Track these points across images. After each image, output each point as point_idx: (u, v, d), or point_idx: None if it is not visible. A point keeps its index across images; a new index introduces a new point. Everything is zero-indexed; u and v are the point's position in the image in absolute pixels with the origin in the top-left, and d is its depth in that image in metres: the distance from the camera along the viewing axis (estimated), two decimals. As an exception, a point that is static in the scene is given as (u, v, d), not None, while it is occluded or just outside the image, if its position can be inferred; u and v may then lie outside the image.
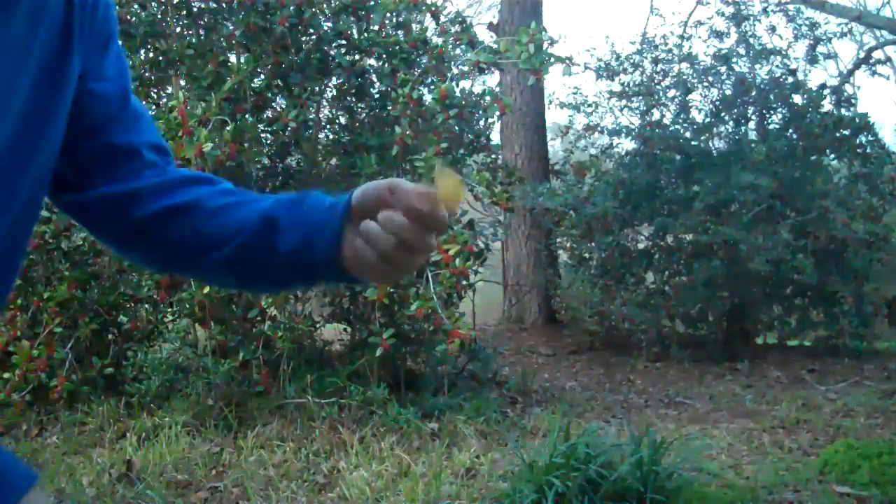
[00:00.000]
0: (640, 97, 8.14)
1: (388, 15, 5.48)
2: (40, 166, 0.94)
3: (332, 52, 5.41)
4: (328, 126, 5.99)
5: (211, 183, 1.04)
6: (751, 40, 8.10)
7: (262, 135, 5.37)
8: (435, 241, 0.89)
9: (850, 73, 10.27)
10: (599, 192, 7.73)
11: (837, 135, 7.72)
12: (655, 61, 8.29)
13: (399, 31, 5.53)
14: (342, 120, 5.95)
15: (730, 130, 8.14)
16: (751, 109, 8.05)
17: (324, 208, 0.94)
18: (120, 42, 1.03)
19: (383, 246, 0.86)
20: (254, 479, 3.89)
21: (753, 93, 7.83)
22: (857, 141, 7.80)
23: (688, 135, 7.95)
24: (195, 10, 5.33)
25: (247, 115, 5.02)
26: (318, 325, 5.50)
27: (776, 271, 7.05)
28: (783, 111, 7.98)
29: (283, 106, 5.34)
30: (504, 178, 6.93)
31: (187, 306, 4.97)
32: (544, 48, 5.09)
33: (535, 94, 9.50)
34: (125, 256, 1.10)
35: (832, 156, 8.06)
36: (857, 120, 7.74)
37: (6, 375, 4.75)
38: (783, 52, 8.07)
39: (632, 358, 7.41)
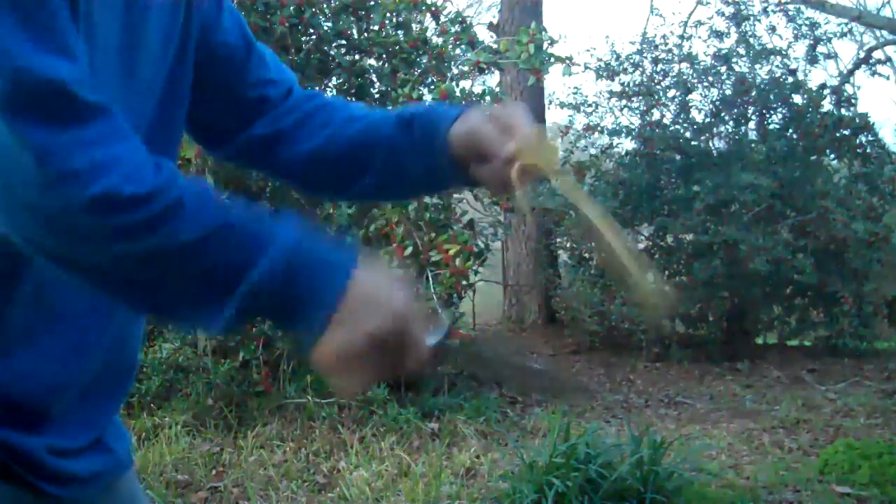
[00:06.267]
0: (640, 97, 8.13)
1: (388, 15, 5.48)
2: (178, 135, 1.03)
3: (332, 52, 5.41)
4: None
5: (338, 113, 1.12)
6: (751, 40, 8.10)
7: (263, 135, 5.37)
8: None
9: (850, 73, 10.26)
10: (599, 192, 7.73)
11: (837, 135, 7.72)
12: (655, 61, 8.29)
13: (399, 31, 5.53)
14: (342, 120, 5.95)
15: (730, 130, 8.14)
16: (751, 109, 8.06)
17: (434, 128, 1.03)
18: None
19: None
20: (254, 479, 3.89)
21: (753, 93, 7.83)
22: (857, 141, 7.81)
23: (688, 135, 7.95)
24: (195, 10, 5.33)
25: (247, 115, 5.02)
26: (318, 325, 5.49)
27: (776, 271, 7.05)
28: (783, 111, 7.99)
29: (283, 106, 5.34)
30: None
31: (187, 306, 4.96)
32: (544, 48, 5.09)
33: (535, 94, 9.48)
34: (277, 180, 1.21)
35: (832, 156, 8.06)
36: (857, 120, 7.74)
37: (6, 375, 4.75)
38: (783, 52, 8.08)
39: (632, 358, 7.42)
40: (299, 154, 1.10)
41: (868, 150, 7.81)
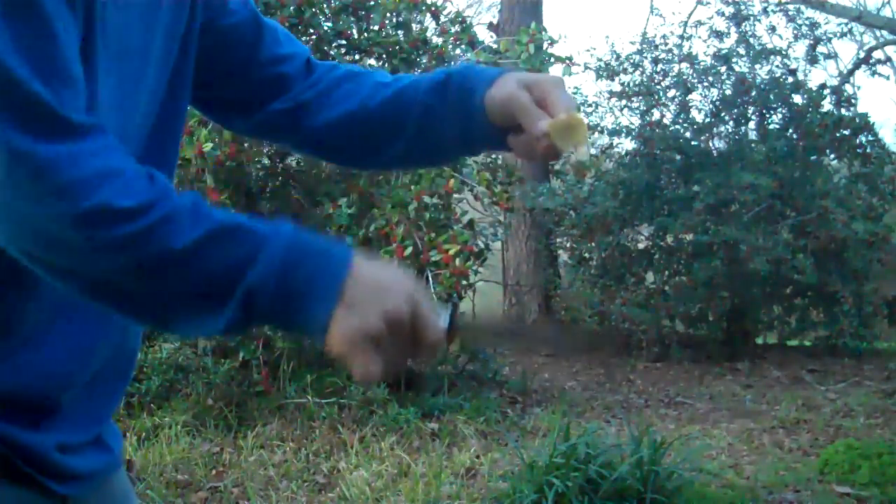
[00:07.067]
0: (640, 97, 8.13)
1: (388, 15, 5.48)
2: (181, 127, 1.03)
3: (332, 52, 5.41)
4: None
5: (365, 79, 1.10)
6: (751, 40, 8.10)
7: (262, 135, 5.37)
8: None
9: (850, 73, 10.27)
10: (599, 192, 7.73)
11: (837, 135, 7.72)
12: (655, 61, 8.28)
13: (399, 31, 5.53)
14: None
15: (730, 130, 8.14)
16: (751, 109, 8.05)
17: (469, 92, 1.01)
18: None
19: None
20: (254, 479, 3.89)
21: (753, 93, 7.83)
22: (857, 141, 7.81)
23: (688, 135, 7.95)
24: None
25: (247, 115, 5.01)
26: (318, 325, 5.49)
27: (776, 271, 7.05)
28: (783, 111, 7.98)
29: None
30: (504, 178, 6.93)
31: (187, 306, 4.96)
32: (544, 48, 5.10)
33: (535, 94, 9.48)
34: (310, 158, 1.19)
35: (832, 156, 8.06)
36: (857, 120, 7.74)
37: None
38: (783, 52, 8.08)
39: (632, 358, 7.41)
40: (326, 121, 1.08)
41: (868, 150, 7.81)
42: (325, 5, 5.47)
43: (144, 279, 0.75)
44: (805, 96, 7.84)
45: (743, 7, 8.21)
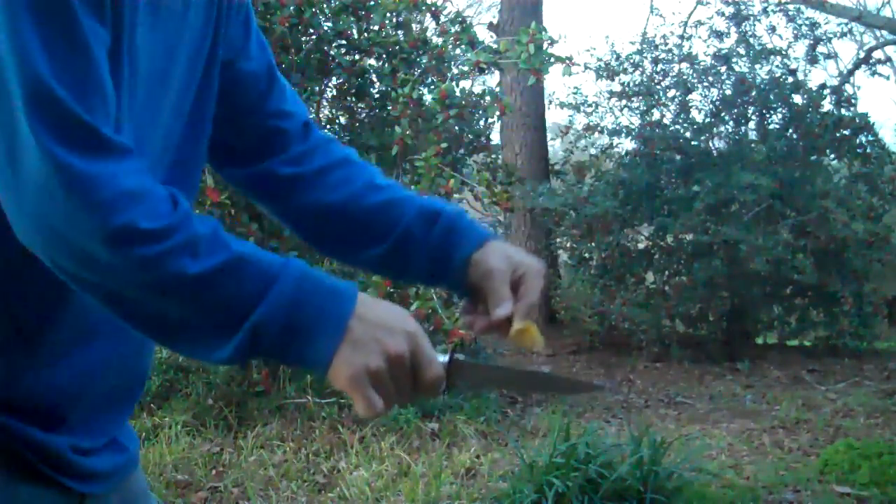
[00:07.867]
0: (640, 97, 8.13)
1: (388, 15, 5.48)
2: (203, 154, 1.04)
3: (332, 52, 5.41)
4: (328, 126, 6.00)
5: (360, 172, 1.11)
6: (751, 40, 8.10)
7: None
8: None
9: (850, 73, 10.27)
10: (599, 192, 7.73)
11: (837, 135, 7.71)
12: (655, 61, 8.28)
13: (399, 31, 5.53)
14: (342, 120, 5.96)
15: (730, 130, 8.13)
16: (751, 109, 8.05)
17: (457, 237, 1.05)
18: None
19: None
20: (254, 479, 3.89)
21: (753, 93, 7.82)
22: (857, 141, 7.80)
23: (688, 135, 7.94)
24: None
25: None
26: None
27: (776, 271, 7.05)
28: (783, 111, 7.98)
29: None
30: (504, 178, 6.94)
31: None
32: (544, 48, 5.09)
33: (535, 94, 9.48)
34: (284, 225, 1.19)
35: (832, 156, 8.05)
36: (857, 120, 7.73)
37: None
38: (783, 52, 8.07)
39: (632, 358, 7.41)
40: (314, 205, 1.09)
41: (868, 150, 7.81)
42: (325, 5, 5.47)
43: (159, 299, 0.78)
44: (805, 96, 7.83)
45: (743, 7, 8.21)
